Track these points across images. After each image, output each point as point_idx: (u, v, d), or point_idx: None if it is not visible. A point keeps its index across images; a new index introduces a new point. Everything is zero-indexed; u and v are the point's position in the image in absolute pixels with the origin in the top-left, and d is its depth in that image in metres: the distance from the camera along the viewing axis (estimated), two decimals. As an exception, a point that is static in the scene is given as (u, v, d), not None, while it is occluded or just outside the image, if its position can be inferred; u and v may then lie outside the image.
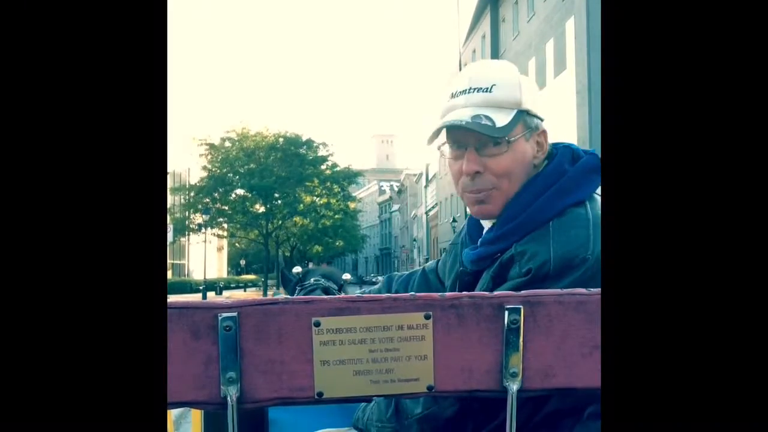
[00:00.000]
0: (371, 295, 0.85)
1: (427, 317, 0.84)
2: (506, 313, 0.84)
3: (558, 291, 0.88)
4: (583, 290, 0.87)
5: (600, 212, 1.04)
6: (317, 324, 0.82)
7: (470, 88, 1.12)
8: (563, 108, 19.27)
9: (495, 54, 27.39)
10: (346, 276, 1.97)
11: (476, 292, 0.87)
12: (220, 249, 48.29)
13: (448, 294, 0.86)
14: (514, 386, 0.85)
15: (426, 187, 51.11)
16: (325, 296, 0.85)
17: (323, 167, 26.54)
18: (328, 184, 28.24)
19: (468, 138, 1.12)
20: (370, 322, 0.83)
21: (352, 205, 33.03)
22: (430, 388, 0.85)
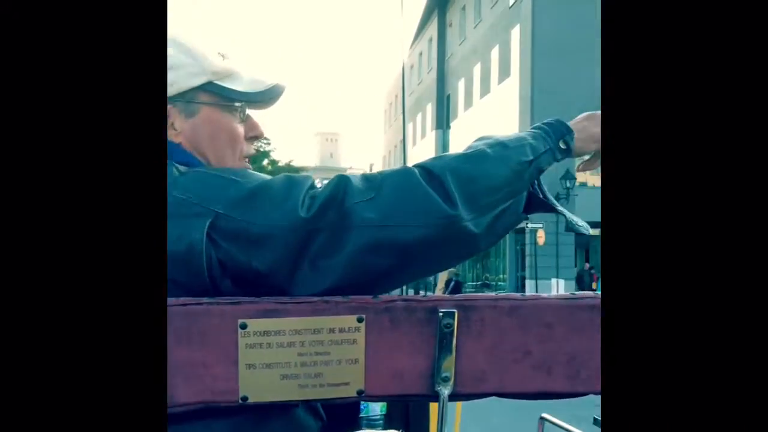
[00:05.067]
0: (302, 297, 0.82)
1: (359, 320, 0.82)
2: (440, 316, 0.83)
3: (492, 295, 0.87)
4: (516, 295, 0.87)
5: None
6: (243, 326, 0.79)
7: None
8: (506, 114, 19.64)
9: (441, 57, 27.68)
10: None
11: (411, 296, 0.86)
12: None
13: (382, 297, 0.84)
14: (446, 391, 0.84)
15: (369, 187, 51.09)
16: (253, 297, 0.81)
17: (265, 163, 26.28)
18: None
19: None
20: (299, 325, 0.81)
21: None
22: (360, 392, 0.83)
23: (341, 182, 0.84)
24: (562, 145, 0.95)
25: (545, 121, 0.99)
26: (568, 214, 0.98)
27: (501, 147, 0.90)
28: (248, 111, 1.03)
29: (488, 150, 0.89)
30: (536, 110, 17.67)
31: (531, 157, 0.90)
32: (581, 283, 16.77)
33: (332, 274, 0.82)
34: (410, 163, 0.91)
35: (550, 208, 0.97)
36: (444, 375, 0.84)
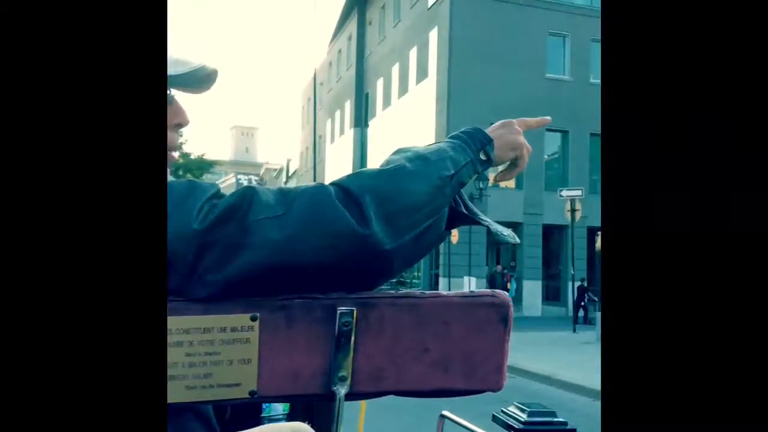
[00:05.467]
0: (190, 298, 0.78)
1: (253, 318, 0.79)
2: (338, 314, 0.81)
3: (392, 293, 0.86)
4: (416, 292, 0.86)
5: None
6: None
7: None
8: (423, 114, 19.90)
9: (360, 55, 27.72)
10: None
11: (309, 294, 0.83)
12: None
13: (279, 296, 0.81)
14: (342, 390, 0.82)
15: (286, 182, 50.57)
16: None
17: (175, 155, 25.49)
18: (180, 172, 27.08)
19: None
20: (188, 324, 0.77)
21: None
22: (252, 393, 0.80)
23: (247, 194, 0.79)
24: (482, 156, 0.93)
25: (463, 129, 0.96)
26: (494, 225, 0.96)
27: (421, 161, 0.87)
28: (173, 95, 0.96)
29: (408, 165, 0.86)
30: (452, 111, 18.00)
31: (452, 171, 0.87)
32: (493, 283, 17.18)
33: (219, 287, 0.77)
34: (325, 162, 0.87)
35: (473, 221, 0.94)
36: (341, 374, 0.82)
